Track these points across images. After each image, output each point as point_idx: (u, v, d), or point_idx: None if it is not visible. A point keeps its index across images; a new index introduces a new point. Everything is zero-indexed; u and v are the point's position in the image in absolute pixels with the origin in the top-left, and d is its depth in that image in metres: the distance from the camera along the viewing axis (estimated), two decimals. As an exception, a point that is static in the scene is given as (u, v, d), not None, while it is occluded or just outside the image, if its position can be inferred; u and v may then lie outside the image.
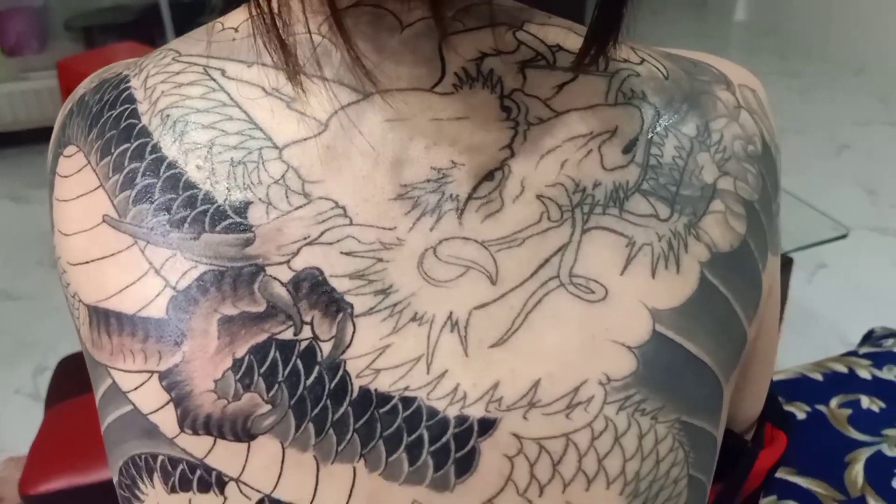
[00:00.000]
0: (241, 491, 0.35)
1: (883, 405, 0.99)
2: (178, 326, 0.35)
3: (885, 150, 2.84)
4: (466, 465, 0.34)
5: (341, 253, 0.34)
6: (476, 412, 0.34)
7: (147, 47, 2.66)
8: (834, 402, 0.99)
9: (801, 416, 0.98)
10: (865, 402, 0.99)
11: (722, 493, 0.46)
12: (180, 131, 0.36)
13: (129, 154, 0.36)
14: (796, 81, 3.46)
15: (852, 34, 3.56)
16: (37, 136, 3.11)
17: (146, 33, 2.90)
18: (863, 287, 2.10)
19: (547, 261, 0.34)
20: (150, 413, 0.36)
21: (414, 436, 0.34)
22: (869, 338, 1.13)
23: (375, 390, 0.34)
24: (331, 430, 0.34)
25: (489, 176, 0.35)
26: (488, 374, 0.34)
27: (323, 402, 0.34)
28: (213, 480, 0.36)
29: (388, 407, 0.34)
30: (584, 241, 0.35)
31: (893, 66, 3.35)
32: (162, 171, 0.36)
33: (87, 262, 0.37)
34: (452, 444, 0.34)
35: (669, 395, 0.36)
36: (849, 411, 0.98)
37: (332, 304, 0.34)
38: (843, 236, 1.46)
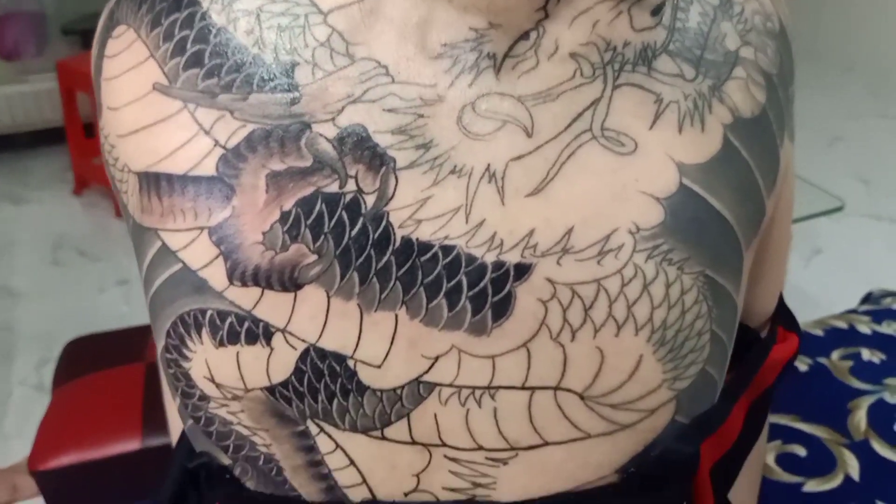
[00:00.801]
0: (287, 341, 0.37)
1: (884, 357, 1.01)
2: (228, 183, 0.36)
3: (877, 141, 2.87)
4: (503, 310, 0.36)
5: (384, 110, 0.36)
6: (512, 258, 0.35)
7: (145, 47, 2.68)
8: (835, 355, 1.01)
9: (803, 368, 1.00)
10: (866, 354, 1.01)
11: (735, 378, 0.48)
12: (228, 0, 0.38)
13: (178, 23, 0.38)
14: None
15: (842, 33, 3.61)
16: (35, 139, 3.12)
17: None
18: (858, 271, 2.12)
19: (580, 115, 0.36)
20: (200, 268, 0.37)
21: (453, 282, 0.35)
22: (868, 299, 1.15)
23: (417, 239, 0.35)
24: (374, 279, 0.36)
25: (525, 36, 0.36)
26: (524, 222, 0.36)
27: (367, 251, 0.36)
28: (260, 332, 0.37)
29: (428, 255, 0.36)
30: (615, 96, 0.37)
31: (883, 62, 3.39)
32: (211, 37, 0.37)
33: (136, 131, 0.38)
34: (490, 289, 0.35)
35: (695, 246, 0.37)
36: (850, 363, 1.00)
37: (376, 159, 0.35)
38: (839, 209, 1.48)
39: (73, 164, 2.71)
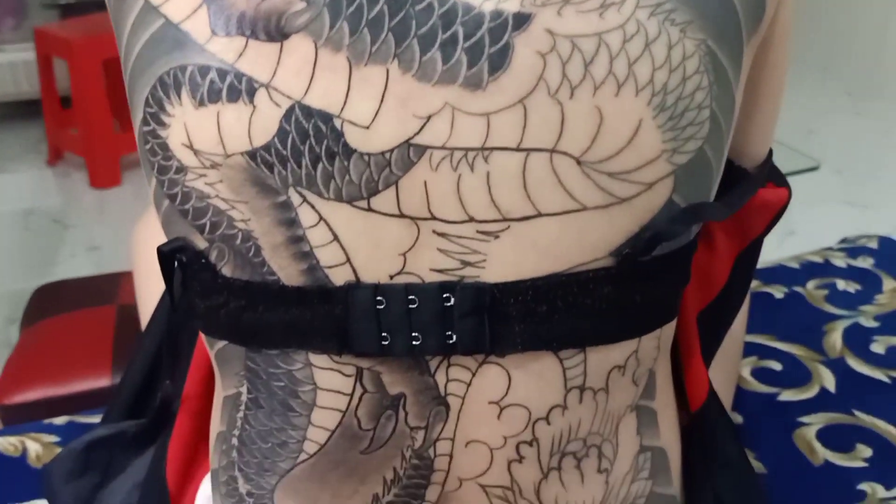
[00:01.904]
0: (270, 98, 0.36)
1: (859, 287, 1.01)
2: None
3: (851, 135, 2.91)
4: (500, 62, 0.35)
5: None
6: (511, 7, 0.35)
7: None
8: (811, 285, 1.02)
9: (778, 295, 1.00)
10: (841, 284, 1.02)
11: (725, 202, 0.47)
12: None
13: None
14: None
15: (816, 36, 3.66)
16: (9, 111, 3.07)
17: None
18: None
19: None
20: (182, 21, 0.37)
21: (448, 33, 0.35)
22: (844, 241, 1.16)
23: None
24: (365, 30, 0.35)
25: None
26: None
27: (358, 0, 0.35)
28: (242, 87, 0.36)
29: (423, 4, 0.35)
30: None
31: (857, 64, 3.45)
32: None
33: None
34: (486, 39, 0.35)
35: (698, 12, 0.37)
36: (825, 292, 1.00)
37: None
38: (815, 168, 1.50)
39: (48, 134, 2.67)
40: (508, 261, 0.38)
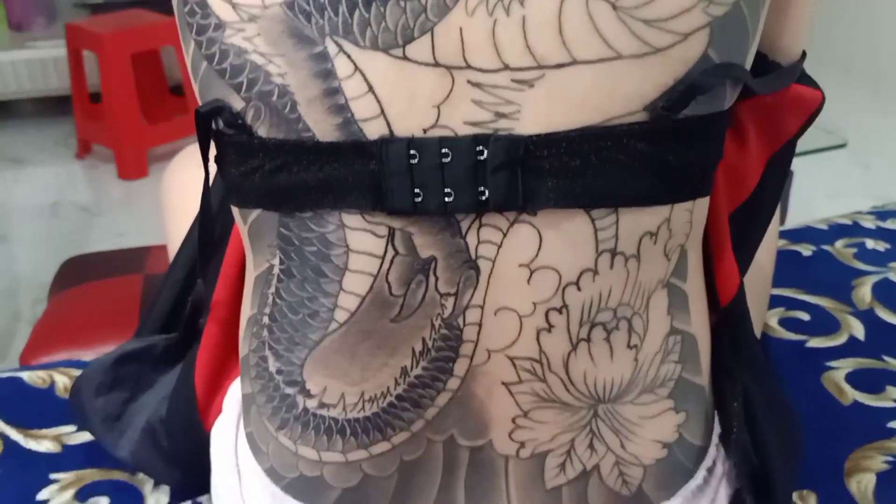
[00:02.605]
0: None
1: (888, 245, 1.00)
2: None
3: (876, 131, 2.89)
4: None
5: None
6: None
7: (157, 14, 2.69)
8: (839, 244, 1.01)
9: (806, 253, 0.99)
10: (870, 243, 1.01)
11: (762, 81, 0.46)
12: None
13: None
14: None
15: (841, 35, 3.64)
16: (40, 107, 3.13)
17: (154, 8, 2.93)
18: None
19: None
20: None
21: None
22: (873, 208, 1.15)
23: None
24: None
25: None
26: None
27: None
28: None
29: None
30: None
31: (883, 62, 3.42)
32: None
33: None
34: None
35: None
36: (854, 250, 0.99)
37: None
38: (843, 145, 1.49)
39: (77, 127, 2.71)
40: (542, 112, 0.38)
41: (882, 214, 1.08)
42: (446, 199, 0.38)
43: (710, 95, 0.40)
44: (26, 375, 0.80)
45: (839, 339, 0.83)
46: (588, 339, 0.41)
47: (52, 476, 0.68)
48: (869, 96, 3.28)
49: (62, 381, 0.79)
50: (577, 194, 0.38)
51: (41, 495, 0.66)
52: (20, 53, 2.91)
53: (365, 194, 0.39)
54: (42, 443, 0.71)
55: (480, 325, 0.41)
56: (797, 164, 1.56)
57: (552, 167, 0.38)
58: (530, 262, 0.40)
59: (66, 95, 2.88)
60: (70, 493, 0.66)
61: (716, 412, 0.50)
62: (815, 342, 0.83)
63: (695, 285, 0.46)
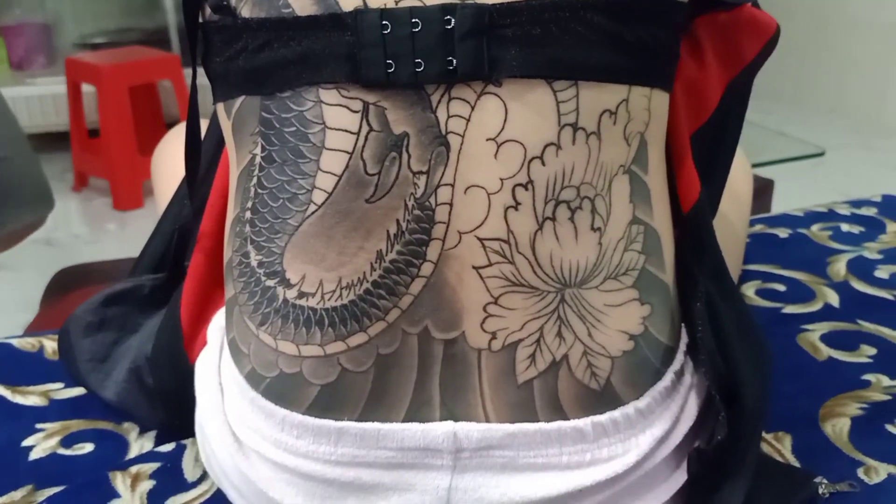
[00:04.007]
0: None
1: (862, 229, 1.03)
2: None
3: (859, 165, 2.95)
4: None
5: None
6: None
7: (154, 50, 2.76)
8: (815, 227, 1.04)
9: (783, 235, 1.02)
10: (845, 227, 1.03)
11: None
12: None
13: None
14: (770, 119, 3.60)
15: (825, 78, 3.73)
16: (39, 142, 3.16)
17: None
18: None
19: None
20: None
21: None
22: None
23: None
24: None
25: None
26: None
27: None
28: None
29: None
30: None
31: (866, 103, 3.50)
32: None
33: None
34: None
35: None
36: (829, 232, 1.02)
37: None
38: (821, 154, 1.53)
39: (74, 159, 2.75)
40: None
41: (856, 203, 1.11)
42: (416, 69, 0.41)
43: None
44: (16, 342, 0.81)
45: (815, 307, 0.85)
46: (553, 218, 0.43)
47: (38, 426, 0.68)
48: (852, 134, 3.35)
49: (51, 346, 0.80)
50: (540, 64, 0.41)
51: (27, 441, 0.66)
52: (20, 90, 2.97)
53: (341, 65, 0.42)
54: (29, 397, 0.72)
55: (451, 205, 0.43)
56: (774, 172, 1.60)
57: (515, 35, 0.41)
58: (497, 135, 0.42)
59: (62, 131, 2.93)
60: (55, 440, 0.67)
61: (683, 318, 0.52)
62: (790, 308, 0.85)
63: (657, 182, 0.48)
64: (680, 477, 0.52)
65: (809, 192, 2.59)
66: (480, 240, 0.43)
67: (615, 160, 0.44)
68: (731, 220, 0.76)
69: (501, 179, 0.42)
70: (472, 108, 0.42)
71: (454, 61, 0.41)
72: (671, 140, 0.51)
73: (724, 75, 0.55)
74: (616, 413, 0.48)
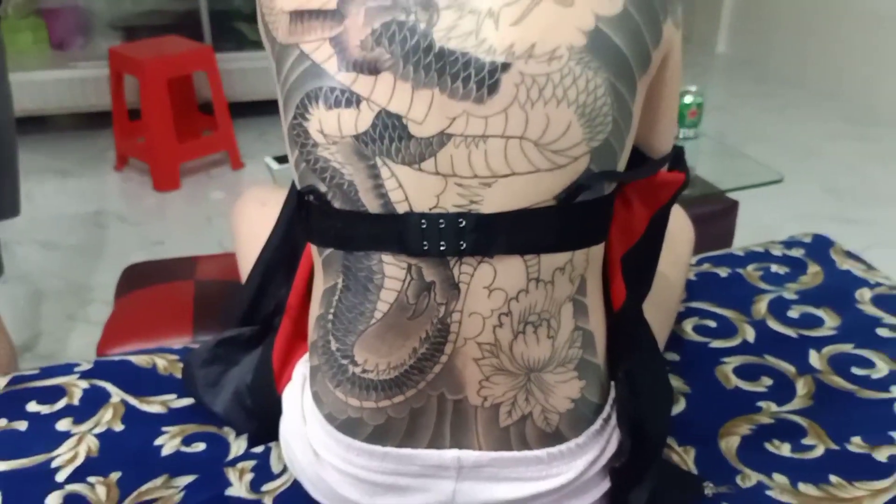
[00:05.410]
0: (368, 106, 0.64)
1: (787, 270, 1.29)
2: (342, 12, 0.64)
3: (848, 158, 3.17)
4: (493, 89, 0.63)
5: None
6: (501, 59, 0.63)
7: (190, 41, 2.99)
8: (750, 267, 1.29)
9: (723, 274, 1.28)
10: (774, 267, 1.29)
11: (628, 173, 0.74)
12: None
13: None
14: (773, 101, 3.81)
15: (824, 63, 3.92)
16: (78, 122, 3.43)
17: (184, 34, 3.22)
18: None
19: None
20: (322, 62, 0.65)
21: (466, 73, 0.63)
22: (790, 237, 1.43)
23: (448, 49, 0.63)
24: (421, 70, 0.63)
25: None
26: (508, 40, 0.63)
27: (419, 54, 0.63)
28: (353, 100, 0.64)
29: (453, 57, 0.63)
30: None
31: (861, 91, 3.70)
32: None
33: None
34: (487, 77, 0.63)
35: (604, 61, 0.65)
36: (761, 272, 1.28)
37: (429, 3, 0.63)
38: (778, 181, 1.77)
39: (116, 143, 3.00)
40: (496, 200, 0.66)
41: (789, 244, 1.36)
42: (441, 247, 0.67)
43: (593, 190, 0.68)
44: (133, 358, 1.09)
45: (735, 342, 1.11)
46: (524, 332, 0.70)
47: (163, 429, 0.96)
48: (841, 123, 3.55)
49: (161, 364, 1.07)
50: (516, 246, 0.67)
51: (157, 441, 0.94)
52: (63, 73, 3.21)
53: (394, 243, 0.67)
54: (153, 406, 1.00)
55: (460, 323, 0.69)
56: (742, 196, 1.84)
57: (502, 230, 0.66)
58: (489, 285, 0.68)
59: (102, 111, 3.18)
60: (178, 439, 0.94)
61: (611, 382, 0.78)
62: (716, 343, 1.11)
63: (593, 299, 0.74)
64: (605, 484, 0.79)
65: (797, 182, 2.83)
66: (478, 343, 0.70)
67: (563, 295, 0.71)
68: (668, 276, 1.02)
69: (491, 310, 0.69)
70: (475, 269, 0.68)
71: (464, 244, 0.67)
72: (607, 263, 0.77)
73: (647, 214, 0.80)
74: (563, 446, 0.75)
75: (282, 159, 1.97)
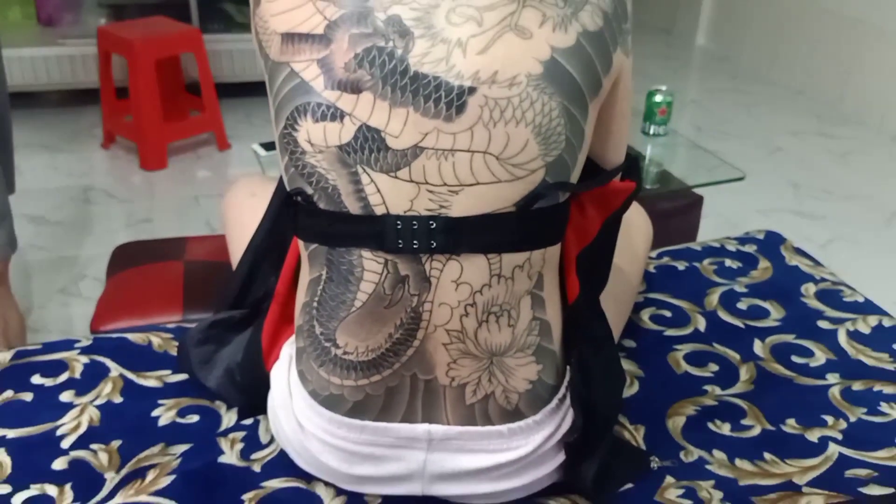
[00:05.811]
0: (351, 121, 0.73)
1: (740, 264, 1.38)
2: (329, 37, 0.72)
3: (812, 154, 3.28)
4: (461, 109, 0.72)
5: (411, 8, 0.72)
6: (468, 84, 0.71)
7: (177, 22, 3.03)
8: (706, 261, 1.39)
9: (681, 268, 1.37)
10: (728, 262, 1.39)
11: (580, 184, 0.83)
12: None
13: None
14: (744, 97, 3.91)
15: (796, 61, 4.02)
16: (67, 98, 3.46)
17: (171, 14, 3.26)
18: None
19: (506, 17, 0.72)
20: (311, 80, 0.73)
21: (437, 94, 0.72)
22: (745, 233, 1.53)
23: (422, 73, 0.71)
24: (398, 90, 0.72)
25: None
26: (475, 67, 0.71)
27: (395, 76, 0.72)
28: (338, 115, 0.73)
29: (426, 80, 0.71)
30: (523, 11, 0.72)
31: (829, 89, 3.81)
32: None
33: (283, 12, 0.75)
34: (455, 99, 0.71)
35: (559, 88, 0.73)
36: (715, 266, 1.38)
37: (405, 31, 0.71)
38: (741, 178, 1.87)
39: (104, 121, 3.05)
40: (463, 206, 0.74)
41: (743, 240, 1.46)
42: (414, 245, 0.75)
43: (548, 198, 0.77)
44: (130, 336, 1.17)
45: (687, 331, 1.21)
46: (487, 321, 0.79)
47: (159, 401, 1.04)
48: (812, 120, 3.65)
49: (156, 341, 1.15)
50: (480, 245, 0.76)
51: (154, 413, 1.02)
52: (51, 50, 3.25)
53: (372, 241, 0.76)
54: (149, 380, 1.08)
55: (431, 312, 0.78)
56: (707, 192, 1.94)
57: (468, 231, 0.75)
58: (457, 279, 0.77)
59: (90, 88, 3.22)
60: (173, 412, 1.03)
61: (566, 366, 0.87)
62: (670, 332, 1.21)
63: (550, 293, 0.83)
64: (560, 457, 0.89)
65: (763, 176, 2.94)
66: (447, 330, 0.79)
67: (522, 289, 0.80)
68: (626, 270, 1.11)
69: (459, 301, 0.77)
70: (444, 265, 0.76)
71: (434, 244, 0.75)
72: (563, 261, 0.86)
73: (600, 217, 0.89)
74: (521, 422, 0.84)
75: (269, 146, 2.05)
